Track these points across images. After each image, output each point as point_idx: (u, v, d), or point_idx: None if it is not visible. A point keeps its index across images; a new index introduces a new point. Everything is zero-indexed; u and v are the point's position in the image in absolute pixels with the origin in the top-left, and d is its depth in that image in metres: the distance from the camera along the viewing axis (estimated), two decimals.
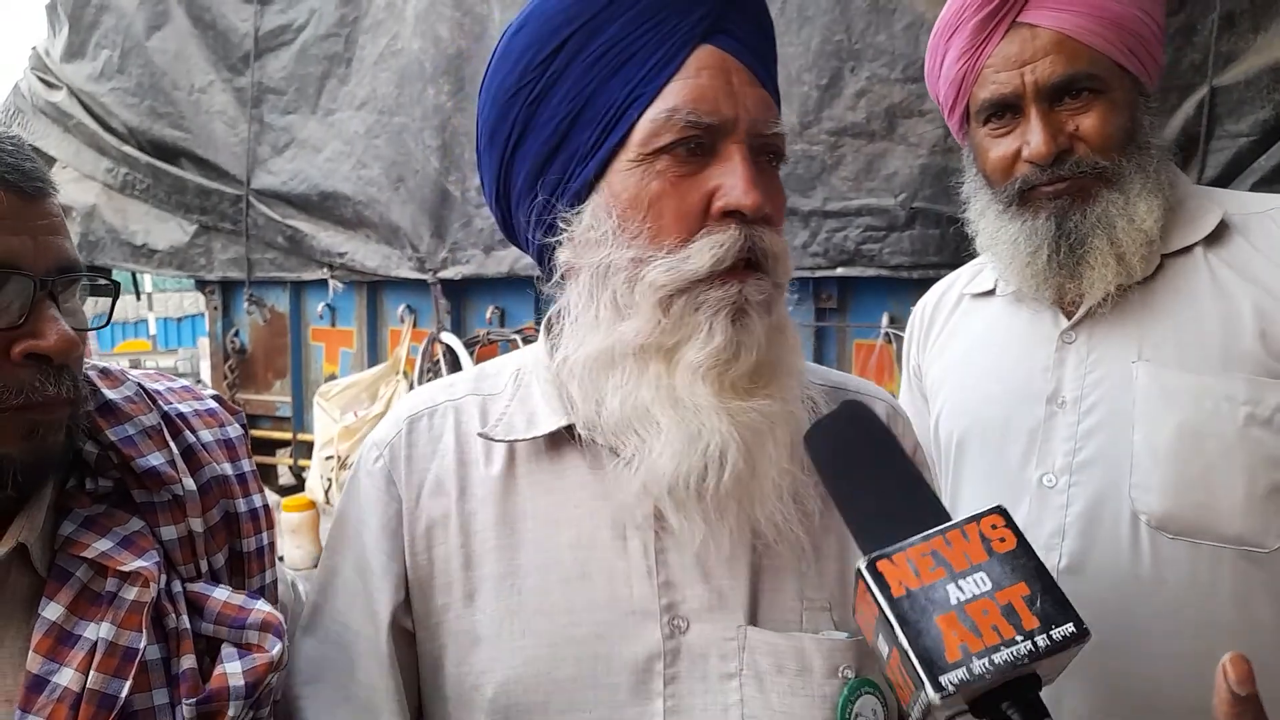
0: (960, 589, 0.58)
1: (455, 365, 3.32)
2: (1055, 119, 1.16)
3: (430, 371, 3.37)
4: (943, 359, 1.40)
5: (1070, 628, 0.57)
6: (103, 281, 0.85)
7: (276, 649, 0.83)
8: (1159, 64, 1.22)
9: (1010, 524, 0.61)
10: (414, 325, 3.51)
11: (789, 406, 0.81)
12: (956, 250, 2.38)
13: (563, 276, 0.86)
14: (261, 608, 0.84)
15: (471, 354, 3.32)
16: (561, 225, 0.84)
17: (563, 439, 0.87)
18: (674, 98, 0.79)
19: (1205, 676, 1.08)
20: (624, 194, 0.80)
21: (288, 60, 3.58)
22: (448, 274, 3.30)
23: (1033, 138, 1.16)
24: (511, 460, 0.88)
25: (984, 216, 1.27)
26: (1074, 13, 1.14)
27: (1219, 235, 1.18)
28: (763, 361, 0.79)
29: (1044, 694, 0.60)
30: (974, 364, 1.34)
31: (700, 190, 0.79)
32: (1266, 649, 1.08)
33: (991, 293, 1.36)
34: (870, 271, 2.55)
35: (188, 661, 0.83)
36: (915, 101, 2.40)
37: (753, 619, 0.82)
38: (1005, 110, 1.19)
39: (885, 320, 2.61)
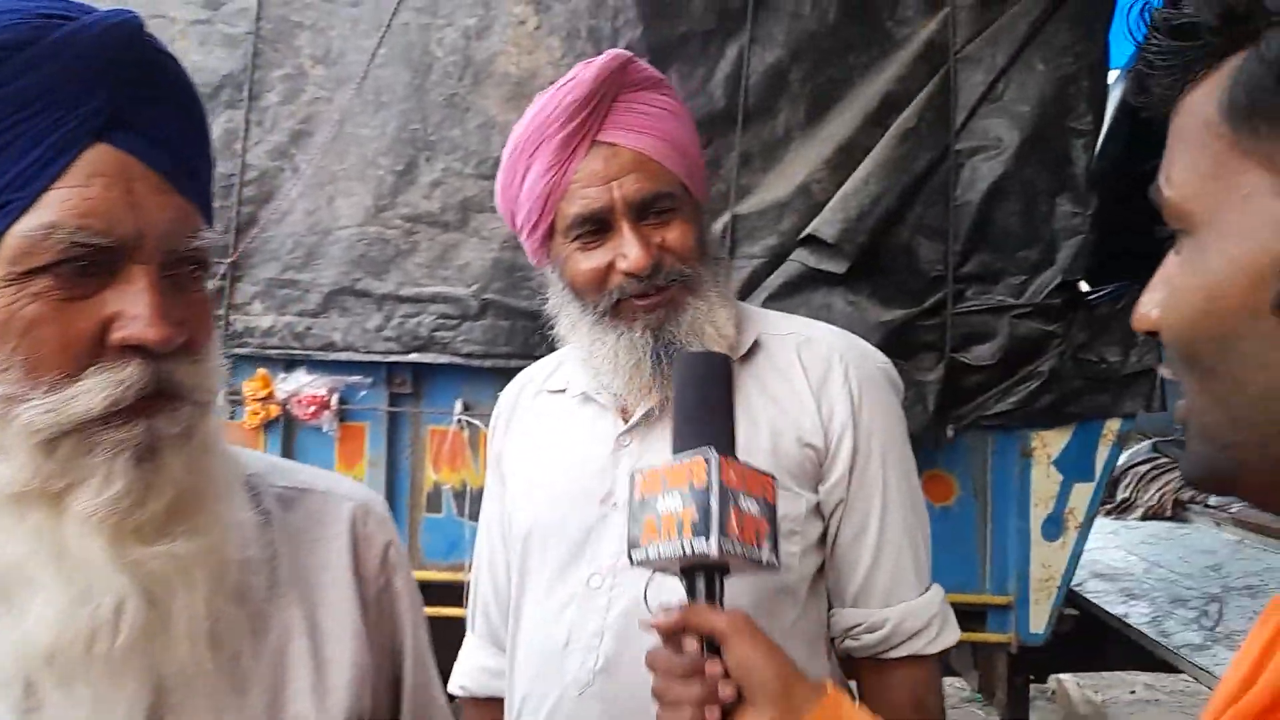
0: (665, 501, 0.88)
1: None
2: (644, 232, 1.20)
3: None
4: (518, 449, 1.41)
5: (703, 548, 0.84)
6: None
7: None
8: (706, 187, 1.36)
9: (711, 469, 0.87)
10: None
11: (213, 539, 0.71)
12: (525, 341, 2.47)
13: None
14: None
15: None
16: None
17: None
18: (54, 210, 0.64)
19: None
20: None
21: None
22: None
23: (629, 250, 1.18)
24: None
25: (576, 330, 1.27)
26: (648, 136, 1.22)
27: (750, 353, 1.28)
28: (183, 495, 0.69)
29: None
30: (542, 459, 1.35)
31: (93, 317, 0.66)
32: None
33: (564, 391, 1.37)
34: (444, 358, 2.54)
35: None
36: (488, 197, 2.46)
37: None
38: (595, 225, 1.21)
39: (459, 407, 2.61)
